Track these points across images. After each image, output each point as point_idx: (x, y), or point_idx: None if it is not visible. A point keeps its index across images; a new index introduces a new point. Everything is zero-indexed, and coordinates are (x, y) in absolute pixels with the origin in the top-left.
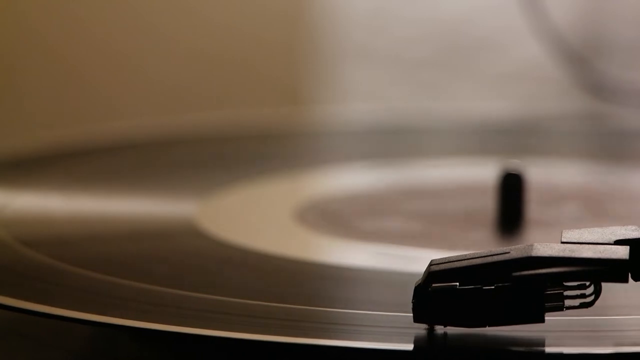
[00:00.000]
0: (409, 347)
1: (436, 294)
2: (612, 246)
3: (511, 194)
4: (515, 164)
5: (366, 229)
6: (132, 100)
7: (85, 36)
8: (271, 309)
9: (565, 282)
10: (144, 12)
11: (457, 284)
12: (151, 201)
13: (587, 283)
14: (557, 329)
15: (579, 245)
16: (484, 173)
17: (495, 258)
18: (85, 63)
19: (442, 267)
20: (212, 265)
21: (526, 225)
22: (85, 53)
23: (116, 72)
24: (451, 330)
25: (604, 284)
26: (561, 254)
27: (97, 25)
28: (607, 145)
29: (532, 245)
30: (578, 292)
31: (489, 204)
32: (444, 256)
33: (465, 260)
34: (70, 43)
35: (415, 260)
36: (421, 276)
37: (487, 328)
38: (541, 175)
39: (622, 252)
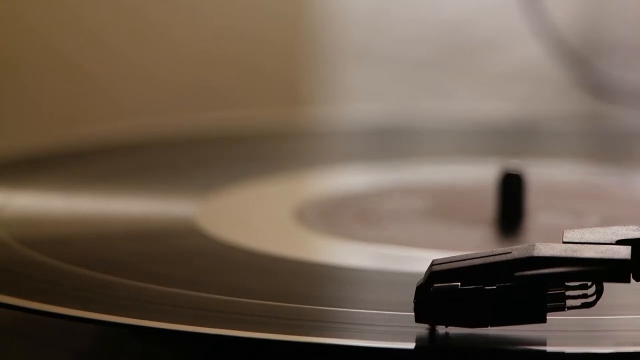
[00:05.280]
0: (411, 346)
1: (438, 294)
2: (614, 246)
3: (511, 194)
4: (515, 164)
5: (366, 229)
6: (132, 100)
7: (85, 37)
8: (271, 308)
9: (567, 282)
10: (143, 12)
11: (459, 284)
12: (151, 201)
13: (589, 283)
14: (558, 328)
15: (580, 245)
16: (484, 173)
17: (497, 258)
18: (85, 63)
19: (444, 267)
20: (212, 265)
21: (526, 225)
22: (86, 53)
23: (116, 72)
24: (453, 329)
25: (605, 284)
26: (563, 254)
27: (98, 26)
28: (607, 145)
29: (533, 245)
30: (580, 292)
31: (489, 204)
32: (445, 256)
33: (467, 260)
34: (71, 44)
35: (416, 260)
36: (422, 276)
37: (489, 328)
38: (541, 175)
39: (624, 252)
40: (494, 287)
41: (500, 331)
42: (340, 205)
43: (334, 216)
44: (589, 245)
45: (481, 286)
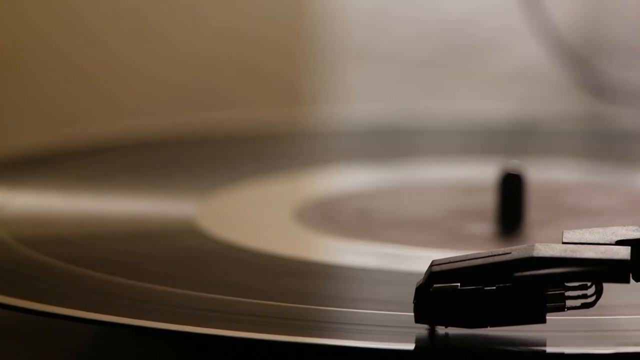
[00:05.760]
0: (410, 346)
1: (437, 294)
2: (614, 246)
3: (511, 194)
4: (515, 164)
5: (366, 228)
6: (132, 100)
7: (85, 37)
8: (271, 308)
9: (567, 282)
10: (143, 12)
11: (459, 284)
12: (151, 201)
13: (589, 283)
14: (558, 329)
15: (580, 245)
16: (484, 173)
17: (497, 258)
18: (86, 63)
19: (444, 267)
20: (212, 265)
21: (526, 225)
22: (87, 53)
23: (117, 72)
24: (452, 330)
25: (605, 284)
26: (562, 255)
27: (98, 26)
28: (607, 145)
29: (533, 246)
30: (579, 292)
31: (489, 204)
32: (445, 256)
33: (467, 261)
34: (72, 44)
35: (415, 260)
36: (422, 276)
37: (489, 328)
38: (541, 175)
39: (624, 252)
40: (494, 287)
41: (500, 332)
42: (340, 205)
43: (334, 216)
44: (588, 246)
45: (481, 287)
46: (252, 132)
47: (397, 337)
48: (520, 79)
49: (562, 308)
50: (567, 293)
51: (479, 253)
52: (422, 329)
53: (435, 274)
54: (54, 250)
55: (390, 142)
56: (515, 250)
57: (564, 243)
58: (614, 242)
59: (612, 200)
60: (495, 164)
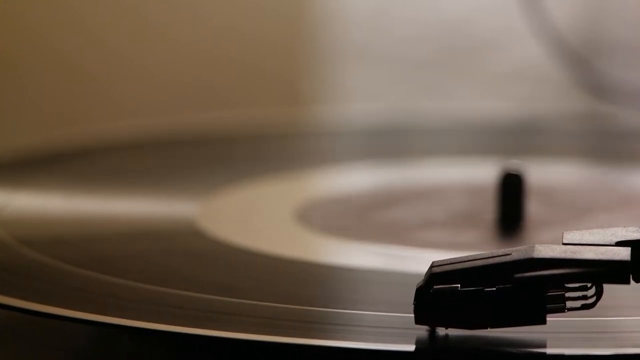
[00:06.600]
0: (411, 347)
1: (438, 295)
2: (614, 247)
3: (511, 194)
4: (515, 164)
5: (366, 229)
6: (132, 100)
7: (85, 37)
8: (271, 309)
9: (567, 283)
10: (143, 12)
11: (459, 285)
12: (151, 201)
13: (589, 284)
14: (558, 330)
15: (580, 246)
16: (484, 173)
17: (497, 259)
18: (86, 63)
19: (444, 268)
20: (212, 265)
21: (526, 225)
22: (86, 53)
23: (117, 72)
24: (453, 331)
25: (605, 285)
26: (562, 256)
27: (98, 26)
28: (607, 145)
29: (533, 247)
30: (579, 293)
31: (489, 204)
32: (445, 257)
33: (467, 262)
34: (71, 44)
35: (415, 261)
36: (422, 278)
37: (489, 330)
38: (541, 175)
39: (624, 253)
40: (494, 288)
41: (500, 333)
42: (340, 205)
43: (334, 216)
44: (588, 247)
45: (481, 288)
46: (252, 132)
47: (398, 339)
48: (520, 79)
49: (562, 309)
50: (568, 294)
51: (479, 254)
52: (423, 330)
53: (436, 275)
54: (54, 250)
55: (390, 142)
56: (516, 251)
57: (564, 244)
58: (614, 243)
59: (612, 201)
60: (495, 164)
